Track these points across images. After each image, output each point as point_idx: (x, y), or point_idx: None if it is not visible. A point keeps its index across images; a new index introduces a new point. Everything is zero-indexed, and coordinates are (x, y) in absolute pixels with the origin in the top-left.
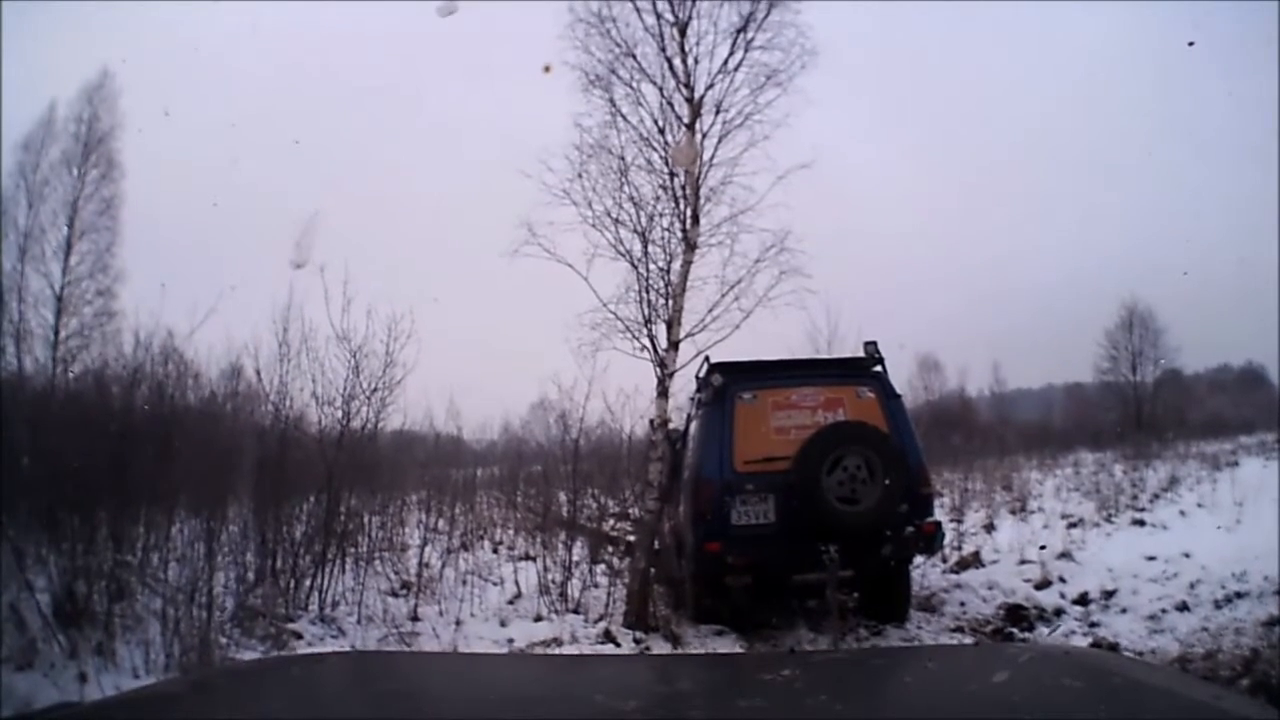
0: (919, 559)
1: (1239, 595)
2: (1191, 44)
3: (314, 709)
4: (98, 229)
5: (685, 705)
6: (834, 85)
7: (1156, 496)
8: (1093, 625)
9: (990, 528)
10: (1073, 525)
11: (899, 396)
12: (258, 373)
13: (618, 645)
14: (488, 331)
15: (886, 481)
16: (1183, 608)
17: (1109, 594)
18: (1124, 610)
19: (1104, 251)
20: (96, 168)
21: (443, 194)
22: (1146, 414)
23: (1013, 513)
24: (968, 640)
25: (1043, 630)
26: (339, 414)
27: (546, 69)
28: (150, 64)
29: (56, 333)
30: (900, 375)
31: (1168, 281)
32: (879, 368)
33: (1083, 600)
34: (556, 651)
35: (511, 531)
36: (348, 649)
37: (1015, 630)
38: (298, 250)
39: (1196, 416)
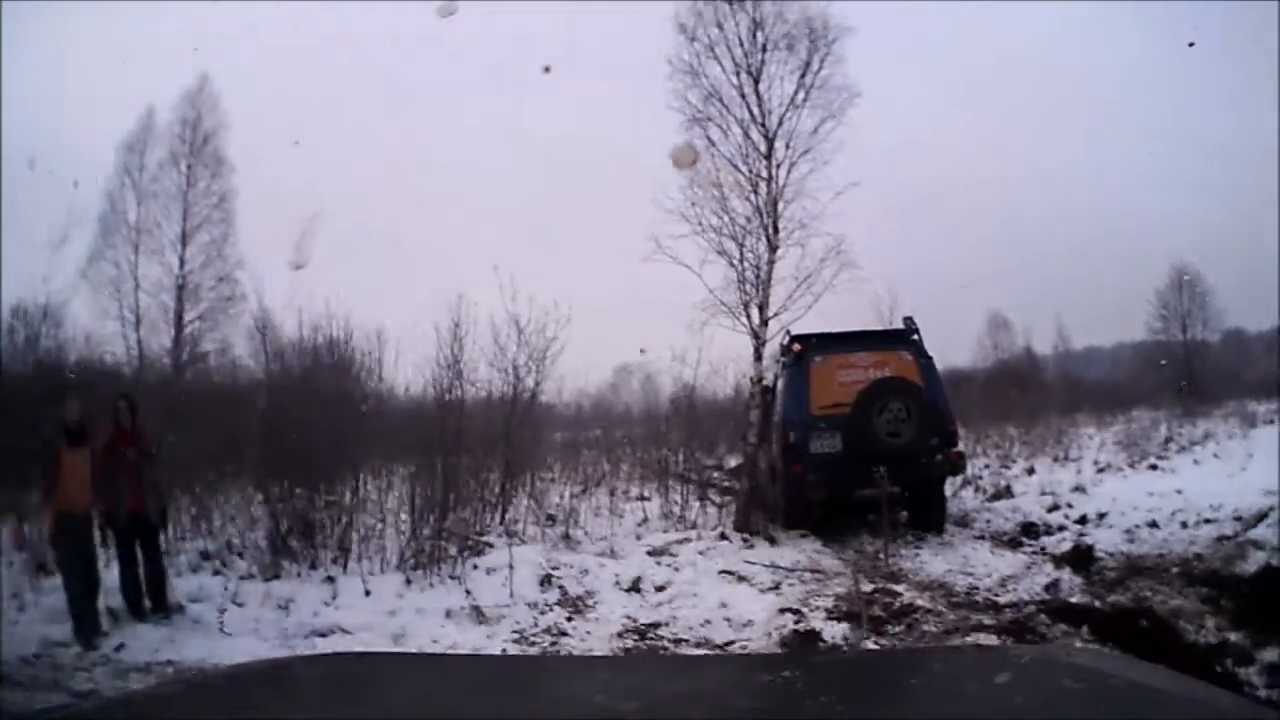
0: (958, 489)
1: (1207, 521)
2: (1192, 44)
3: (313, 710)
4: (212, 221)
5: (685, 705)
6: (901, 47)
7: (1183, 449)
8: (1080, 535)
9: (1031, 471)
10: (1100, 470)
11: (930, 358)
12: (451, 350)
13: (730, 542)
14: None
15: (919, 421)
16: (1153, 525)
17: (1101, 515)
18: (1110, 527)
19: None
20: (205, 165)
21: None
22: (1199, 373)
23: (1054, 460)
24: (985, 544)
25: (1046, 539)
26: (509, 382)
27: (546, 69)
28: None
29: (180, 317)
30: (969, 333)
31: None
32: (915, 336)
33: (1082, 520)
34: (659, 578)
35: (622, 480)
36: (347, 650)
37: (1024, 539)
38: (297, 251)
39: (1253, 375)
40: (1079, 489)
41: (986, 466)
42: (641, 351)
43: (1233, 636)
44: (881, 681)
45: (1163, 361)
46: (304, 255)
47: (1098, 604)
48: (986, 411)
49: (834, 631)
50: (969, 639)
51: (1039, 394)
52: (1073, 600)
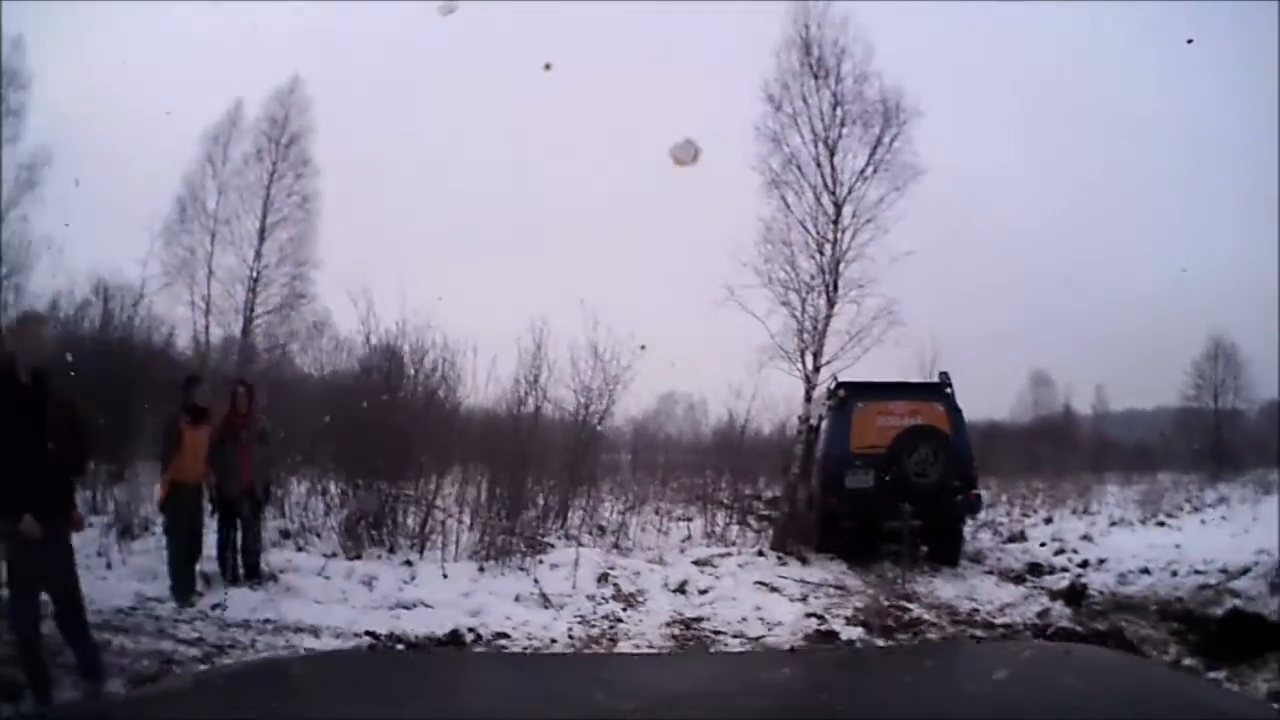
0: (976, 531)
1: (1197, 572)
2: (1190, 41)
3: (313, 709)
4: (293, 220)
5: (685, 705)
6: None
7: (1195, 509)
8: (1079, 576)
9: (1049, 520)
10: (1113, 524)
11: (959, 410)
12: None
13: (766, 559)
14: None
15: (945, 464)
16: (1145, 571)
17: (1101, 561)
18: (1107, 570)
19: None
20: (290, 165)
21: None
22: (1228, 441)
23: (1073, 512)
24: (993, 578)
25: (1046, 577)
26: (581, 404)
27: (547, 67)
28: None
29: (251, 309)
30: (1010, 390)
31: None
32: (948, 390)
33: (1083, 564)
34: (702, 584)
35: (667, 502)
36: (350, 648)
37: (1029, 576)
38: None
39: None
40: (1087, 538)
41: (1008, 514)
42: (642, 348)
43: (1187, 660)
44: (883, 679)
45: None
46: None
47: (1078, 629)
48: (1020, 464)
49: (850, 634)
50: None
51: (1072, 451)
52: (1057, 625)
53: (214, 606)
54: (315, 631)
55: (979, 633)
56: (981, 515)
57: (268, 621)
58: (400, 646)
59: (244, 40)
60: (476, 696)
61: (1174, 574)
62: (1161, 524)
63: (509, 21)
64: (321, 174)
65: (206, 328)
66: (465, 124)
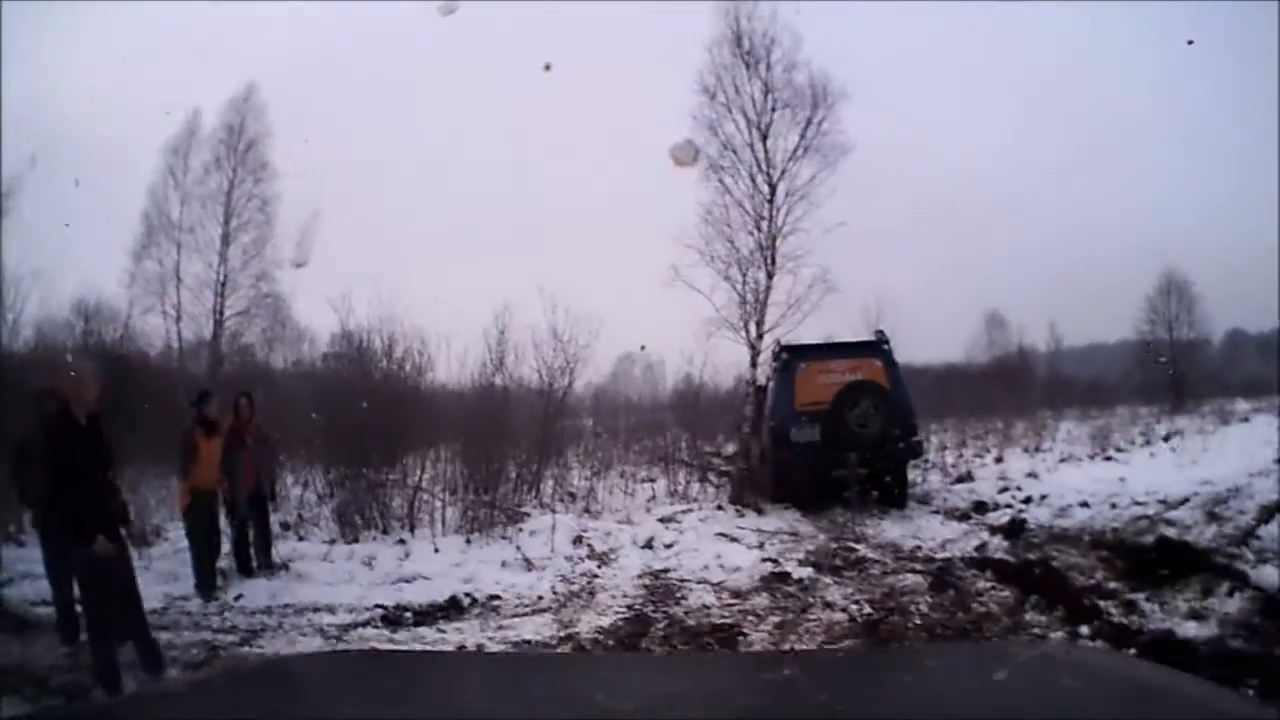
0: (925, 473)
1: (1136, 504)
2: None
3: (314, 709)
4: (254, 224)
5: (685, 705)
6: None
7: (1149, 443)
8: (1020, 512)
9: (999, 460)
10: (1063, 460)
11: (896, 364)
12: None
13: (725, 512)
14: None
15: (884, 416)
16: (1084, 505)
17: (1044, 497)
18: (1048, 506)
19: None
20: (249, 170)
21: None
22: (1186, 372)
23: (1025, 450)
24: (938, 517)
25: (990, 514)
26: (546, 381)
27: (547, 67)
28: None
29: (220, 313)
30: (964, 332)
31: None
32: (885, 346)
33: (1026, 500)
34: (667, 539)
35: (631, 464)
36: (350, 648)
37: (973, 514)
38: (298, 250)
39: (1245, 375)
40: (1033, 475)
41: (959, 455)
42: (642, 348)
43: (1111, 584)
44: (881, 680)
45: (1161, 358)
46: (304, 254)
47: (1011, 560)
48: (976, 405)
49: (801, 573)
50: (903, 578)
51: (1027, 390)
52: (992, 557)
53: (236, 597)
54: (331, 609)
55: (919, 566)
56: (934, 458)
57: (287, 606)
58: (408, 614)
59: (245, 39)
60: (475, 697)
61: (1113, 506)
62: (1109, 459)
63: (508, 21)
64: (280, 177)
65: (179, 334)
66: (464, 123)
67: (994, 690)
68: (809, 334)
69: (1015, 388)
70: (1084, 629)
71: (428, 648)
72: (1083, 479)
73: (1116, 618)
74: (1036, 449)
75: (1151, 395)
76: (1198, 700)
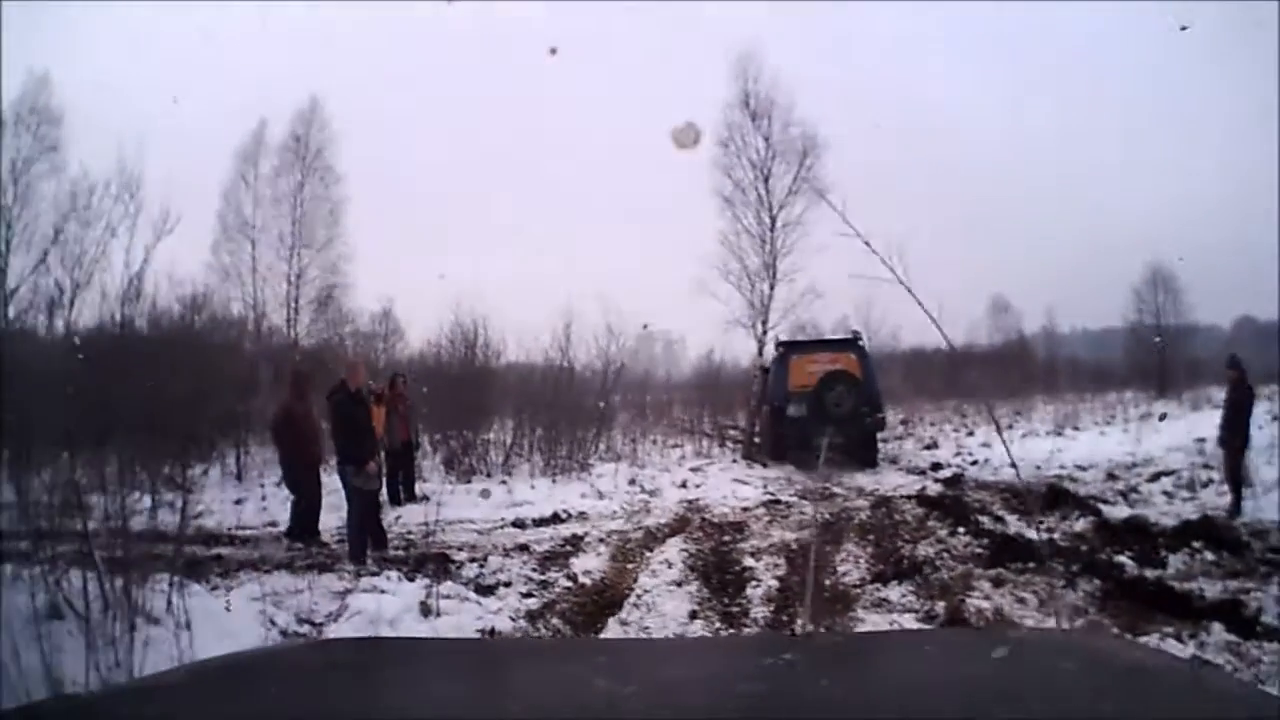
0: (900, 441)
1: (1060, 468)
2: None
3: (314, 698)
4: (324, 224)
5: (685, 690)
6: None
7: (1110, 421)
8: (962, 470)
9: (971, 433)
10: (1024, 435)
11: (869, 357)
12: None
13: (739, 465)
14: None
15: (855, 398)
16: (1013, 465)
17: (986, 460)
18: (986, 466)
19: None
20: (318, 175)
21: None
22: (1172, 360)
23: (999, 429)
24: (901, 473)
25: (942, 472)
26: (604, 365)
27: (552, 51)
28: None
29: (295, 302)
30: (967, 317)
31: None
32: (860, 343)
33: (973, 463)
34: (696, 481)
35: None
36: (353, 636)
37: (929, 471)
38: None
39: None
40: (986, 444)
41: (939, 428)
42: (645, 327)
43: (999, 511)
44: (883, 664)
45: (1157, 338)
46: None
47: (934, 495)
48: (971, 389)
49: (789, 499)
50: (857, 503)
51: (1026, 373)
52: (925, 494)
53: (397, 518)
54: (472, 521)
55: (871, 499)
56: (918, 432)
57: (438, 521)
58: (529, 521)
59: (253, 37)
60: (476, 682)
61: (1037, 469)
62: (1060, 434)
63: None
64: (345, 180)
65: (258, 322)
66: (476, 117)
67: (993, 674)
68: (817, 329)
69: (1011, 371)
70: (961, 529)
71: (426, 636)
72: (1026, 449)
73: (985, 525)
74: (1010, 426)
75: (1146, 380)
76: (1195, 682)
